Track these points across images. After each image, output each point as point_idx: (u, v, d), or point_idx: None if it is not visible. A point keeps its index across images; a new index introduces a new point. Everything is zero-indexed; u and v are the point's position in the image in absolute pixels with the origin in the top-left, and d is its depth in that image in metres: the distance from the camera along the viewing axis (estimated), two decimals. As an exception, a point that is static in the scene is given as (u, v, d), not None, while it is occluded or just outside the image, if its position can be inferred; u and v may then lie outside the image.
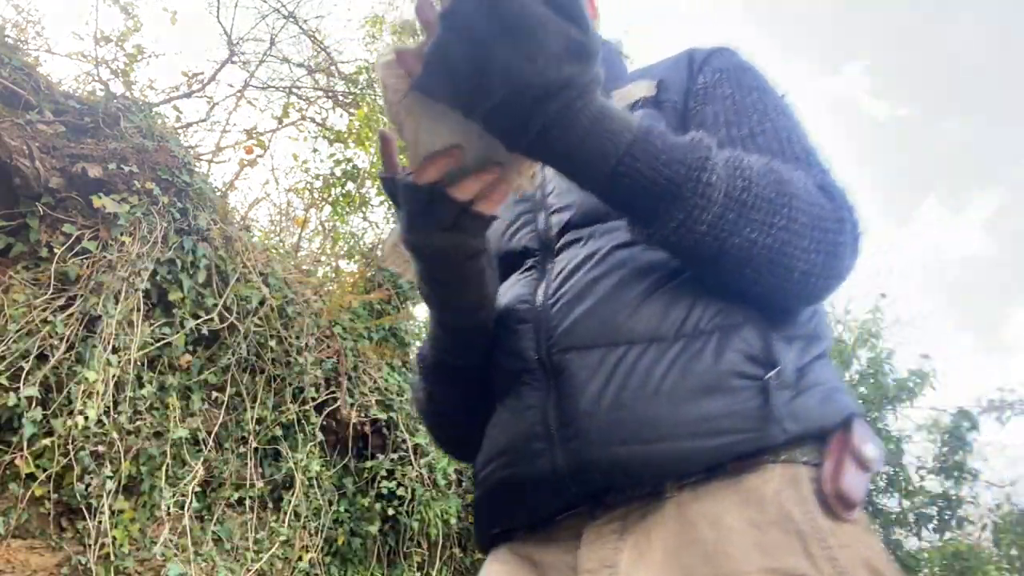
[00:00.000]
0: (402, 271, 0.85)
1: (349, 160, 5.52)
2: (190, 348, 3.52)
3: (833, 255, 0.70)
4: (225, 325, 3.62)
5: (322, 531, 3.76)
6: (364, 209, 5.71)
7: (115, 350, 3.08)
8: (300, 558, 3.61)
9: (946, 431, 5.63)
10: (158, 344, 3.32)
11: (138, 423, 3.16)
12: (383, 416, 4.11)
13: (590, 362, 0.71)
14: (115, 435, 3.00)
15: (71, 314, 3.03)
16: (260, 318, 3.77)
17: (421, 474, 4.05)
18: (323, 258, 5.55)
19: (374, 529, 3.94)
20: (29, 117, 3.26)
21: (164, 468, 3.19)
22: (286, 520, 3.66)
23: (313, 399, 3.87)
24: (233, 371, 3.64)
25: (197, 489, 3.31)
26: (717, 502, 0.64)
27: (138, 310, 3.21)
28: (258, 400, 3.73)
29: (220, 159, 4.97)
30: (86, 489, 2.90)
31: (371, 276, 4.88)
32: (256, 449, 3.64)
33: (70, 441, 2.86)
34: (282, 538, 3.58)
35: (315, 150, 5.59)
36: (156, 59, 5.03)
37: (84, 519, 2.90)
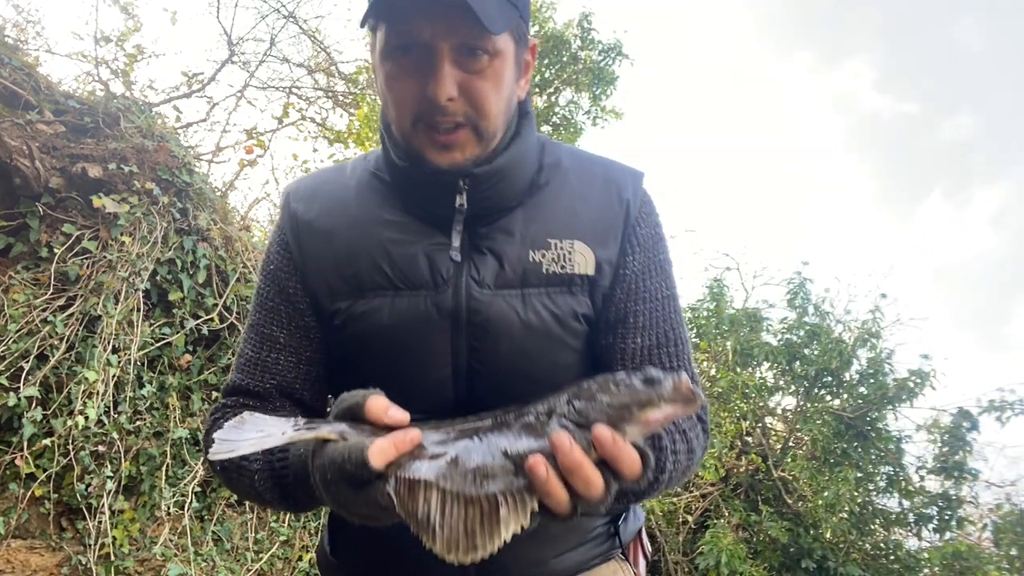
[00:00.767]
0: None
1: (349, 160, 5.51)
2: (190, 348, 3.52)
3: (699, 460, 1.03)
4: (225, 325, 3.62)
5: (322, 531, 3.76)
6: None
7: (115, 350, 3.08)
8: (300, 558, 3.61)
9: (946, 431, 5.62)
10: (158, 344, 3.32)
11: (138, 423, 3.16)
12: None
13: None
14: (115, 435, 3.00)
15: (71, 314, 3.03)
16: (260, 318, 3.77)
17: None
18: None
19: (374, 529, 3.93)
20: (29, 117, 3.26)
21: (164, 468, 3.19)
22: (286, 520, 3.66)
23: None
24: (233, 371, 3.64)
25: (197, 489, 3.31)
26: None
27: (138, 310, 3.21)
28: (258, 400, 3.72)
29: (220, 159, 4.98)
30: (86, 489, 2.90)
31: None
32: (256, 449, 3.63)
33: (70, 441, 2.86)
34: (282, 538, 3.58)
35: (315, 150, 5.59)
36: (156, 59, 5.04)
37: (84, 519, 2.90)
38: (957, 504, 5.47)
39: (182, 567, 3.02)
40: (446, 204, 0.96)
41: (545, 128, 7.60)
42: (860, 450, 5.66)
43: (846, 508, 5.25)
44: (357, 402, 0.77)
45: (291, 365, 1.04)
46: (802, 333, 5.96)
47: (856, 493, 5.40)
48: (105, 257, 3.16)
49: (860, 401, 5.76)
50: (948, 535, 5.47)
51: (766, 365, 6.02)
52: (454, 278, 0.97)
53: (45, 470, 2.81)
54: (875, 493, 5.79)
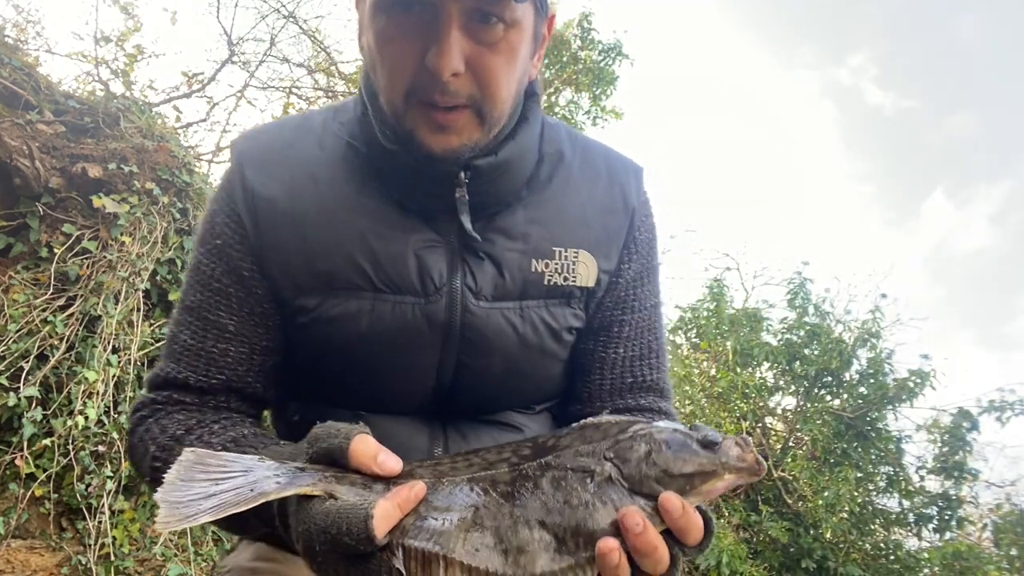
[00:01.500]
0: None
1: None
2: (190, 348, 3.52)
3: None
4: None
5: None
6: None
7: (115, 350, 3.08)
8: (300, 558, 3.60)
9: (946, 431, 5.63)
10: (158, 344, 3.32)
11: (138, 423, 3.16)
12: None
13: None
14: (115, 435, 3.00)
15: (71, 314, 3.03)
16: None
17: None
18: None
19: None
20: (29, 117, 3.26)
21: (164, 468, 3.19)
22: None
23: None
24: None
25: (197, 489, 3.31)
26: None
27: (138, 310, 3.21)
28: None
29: (220, 159, 4.97)
30: (86, 489, 2.90)
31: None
32: (256, 449, 3.64)
33: (70, 441, 2.86)
34: (282, 538, 3.58)
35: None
36: (156, 59, 5.04)
37: (84, 519, 2.90)
38: (957, 504, 5.48)
39: (182, 567, 3.02)
40: (441, 196, 0.83)
41: (545, 128, 7.59)
42: (860, 450, 5.67)
43: (846, 508, 5.26)
44: (339, 446, 0.63)
45: (242, 357, 0.88)
46: (802, 333, 5.97)
47: (856, 493, 5.40)
48: (105, 257, 3.16)
49: (860, 401, 5.76)
50: (948, 535, 5.47)
51: (766, 365, 6.03)
52: (447, 285, 0.85)
53: (45, 470, 2.81)
54: (875, 493, 5.80)
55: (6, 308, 2.91)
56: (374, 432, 0.66)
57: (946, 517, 5.45)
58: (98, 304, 3.07)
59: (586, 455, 0.64)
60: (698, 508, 0.63)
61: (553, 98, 7.90)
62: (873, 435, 5.62)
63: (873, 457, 5.70)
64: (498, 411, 0.94)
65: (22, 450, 2.76)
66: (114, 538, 2.92)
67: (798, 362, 5.81)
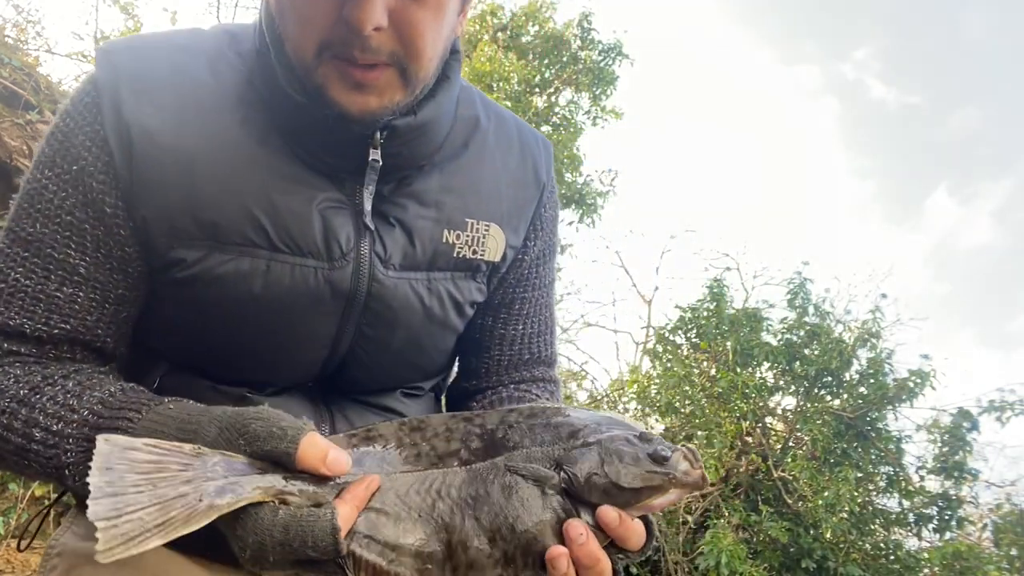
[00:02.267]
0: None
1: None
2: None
3: None
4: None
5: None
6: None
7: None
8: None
9: (946, 431, 5.63)
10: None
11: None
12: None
13: None
14: (115, 435, 3.00)
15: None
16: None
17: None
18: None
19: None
20: (29, 117, 3.26)
21: (164, 468, 3.19)
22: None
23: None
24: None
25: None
26: None
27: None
28: (258, 400, 3.73)
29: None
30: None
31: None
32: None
33: (70, 441, 2.87)
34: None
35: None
36: (156, 59, 5.03)
37: (84, 519, 2.91)
38: (957, 504, 5.48)
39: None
40: (351, 157, 0.76)
41: (545, 128, 7.60)
42: (860, 450, 5.67)
43: (846, 508, 5.26)
44: (285, 451, 0.58)
45: (93, 305, 0.75)
46: (802, 333, 5.97)
47: (856, 493, 5.40)
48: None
49: (860, 401, 5.76)
50: (948, 535, 5.47)
51: (766, 365, 6.02)
52: (355, 251, 0.78)
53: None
54: (875, 493, 5.80)
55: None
56: None
57: (946, 517, 5.45)
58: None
59: (537, 460, 0.64)
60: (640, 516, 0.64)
61: (553, 98, 7.90)
62: (873, 435, 5.62)
63: (873, 457, 5.69)
64: (387, 387, 0.92)
65: (22, 450, 2.77)
66: (114, 538, 2.92)
67: (798, 362, 5.80)
